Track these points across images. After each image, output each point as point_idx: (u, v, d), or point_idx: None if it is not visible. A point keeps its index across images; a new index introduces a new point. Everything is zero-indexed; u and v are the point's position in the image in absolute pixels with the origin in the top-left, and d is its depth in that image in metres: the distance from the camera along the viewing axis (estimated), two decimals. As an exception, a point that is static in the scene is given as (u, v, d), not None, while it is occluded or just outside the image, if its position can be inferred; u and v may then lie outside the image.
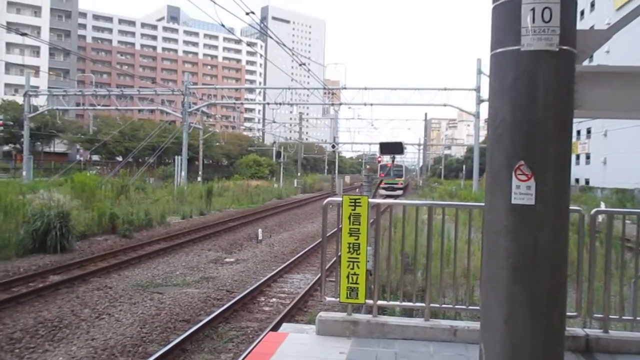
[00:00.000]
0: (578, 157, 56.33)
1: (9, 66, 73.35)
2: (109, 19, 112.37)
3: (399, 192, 46.00)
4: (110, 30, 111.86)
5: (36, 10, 79.48)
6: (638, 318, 4.62)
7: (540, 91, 2.35)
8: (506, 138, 2.41)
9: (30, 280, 10.42)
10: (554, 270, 2.40)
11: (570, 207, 4.00)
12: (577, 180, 54.51)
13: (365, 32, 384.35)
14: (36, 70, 64.64)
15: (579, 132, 55.16)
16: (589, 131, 52.95)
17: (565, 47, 2.36)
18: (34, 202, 15.62)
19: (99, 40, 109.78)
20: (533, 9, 2.34)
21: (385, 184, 43.13)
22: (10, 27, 46.10)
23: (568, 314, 4.41)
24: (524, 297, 2.38)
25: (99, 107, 38.62)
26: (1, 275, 10.79)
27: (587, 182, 52.66)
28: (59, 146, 66.88)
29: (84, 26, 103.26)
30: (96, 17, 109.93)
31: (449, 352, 4.31)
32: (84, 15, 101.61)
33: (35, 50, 78.13)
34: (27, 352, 6.69)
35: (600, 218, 5.61)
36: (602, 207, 18.04)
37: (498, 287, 2.45)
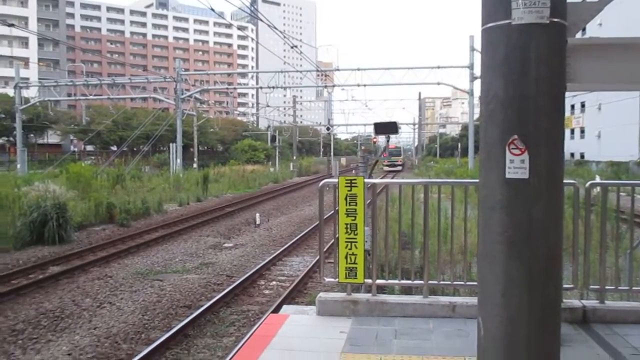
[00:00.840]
0: (573, 131, 56.43)
1: (-2, 58, 72.60)
2: (97, 7, 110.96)
3: (399, 167, 57.87)
4: (99, 19, 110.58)
5: (23, 1, 78.41)
6: (634, 288, 4.68)
7: (531, 65, 2.34)
8: (499, 113, 2.41)
9: (30, 272, 10.44)
10: (549, 243, 2.42)
11: (565, 181, 4.03)
12: (572, 155, 54.69)
13: (357, 13, 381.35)
14: (25, 61, 64.00)
15: (573, 107, 55.16)
16: (583, 105, 52.96)
17: (556, 20, 2.35)
18: (29, 194, 15.57)
19: (88, 29, 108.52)
20: (523, -18, 2.32)
21: (388, 162, 54.07)
22: (-3, 18, 45.50)
23: (565, 286, 4.47)
24: (520, 271, 2.41)
25: (91, 97, 38.35)
26: (0, 267, 10.80)
27: (582, 156, 52.83)
28: (52, 137, 66.50)
29: (72, 15, 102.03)
30: (84, 5, 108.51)
31: (448, 327, 4.37)
32: (71, 4, 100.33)
33: (24, 41, 77.30)
34: (31, 342, 6.74)
35: (595, 191, 5.65)
36: (597, 180, 18.13)
37: (494, 261, 2.47)
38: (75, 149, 64.55)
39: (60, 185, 17.03)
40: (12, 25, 24.51)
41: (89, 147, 67.43)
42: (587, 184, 4.69)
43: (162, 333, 6.90)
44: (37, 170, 35.73)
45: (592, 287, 4.61)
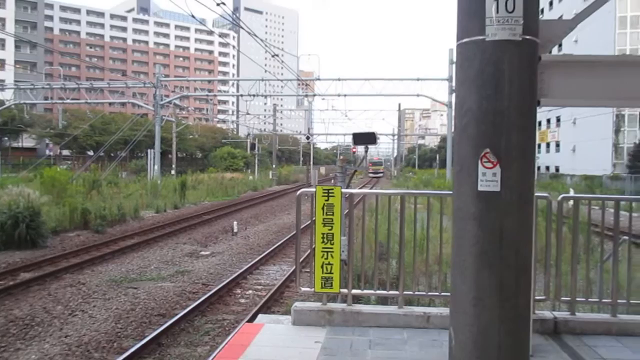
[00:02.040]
0: (548, 144, 57.47)
1: (-27, 59, 71.18)
2: (77, 10, 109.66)
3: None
4: (78, 22, 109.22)
5: (0, 2, 77.14)
6: (603, 300, 4.77)
7: (504, 81, 2.40)
8: (472, 127, 2.46)
9: (0, 278, 10.20)
10: (520, 255, 2.46)
11: (538, 194, 4.11)
12: (547, 168, 55.64)
13: (339, 23, 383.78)
14: (2, 63, 62.85)
15: (549, 121, 56.23)
16: (558, 119, 54.03)
17: (528, 37, 2.41)
18: (1, 198, 15.24)
19: (67, 32, 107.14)
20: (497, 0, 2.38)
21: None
22: (-27, 18, 44.67)
23: (537, 297, 4.53)
24: (491, 281, 2.45)
25: (68, 101, 37.77)
26: (-31, 273, 10.54)
27: (557, 169, 53.80)
28: (27, 141, 65.23)
29: (51, 17, 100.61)
30: (63, 8, 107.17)
31: (422, 338, 4.39)
32: (50, 6, 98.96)
33: (1, 43, 75.93)
34: (-1, 351, 6.58)
35: (568, 204, 5.75)
36: (571, 193, 18.47)
37: (466, 272, 2.51)
38: (51, 153, 63.38)
39: (34, 190, 16.71)
40: (-12, 26, 24.04)
41: (65, 152, 66.27)
42: (559, 197, 4.78)
43: (135, 342, 6.79)
44: (11, 174, 35.02)
45: (563, 298, 4.69)
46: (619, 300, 4.64)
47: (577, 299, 4.69)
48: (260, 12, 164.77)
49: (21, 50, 79.68)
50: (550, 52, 3.18)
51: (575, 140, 48.97)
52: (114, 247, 13.85)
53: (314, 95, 38.95)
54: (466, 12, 2.51)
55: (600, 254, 5.14)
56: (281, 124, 79.43)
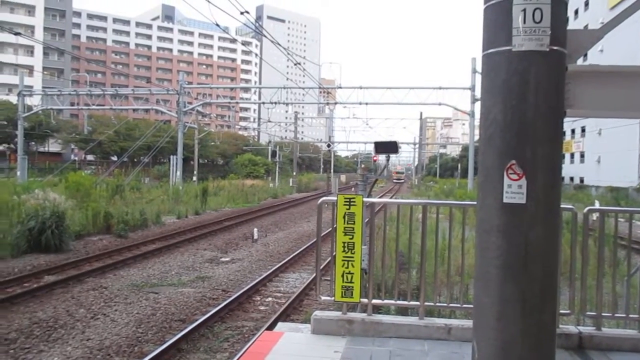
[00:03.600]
0: (572, 155, 56.59)
1: (2, 65, 73.01)
2: (104, 18, 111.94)
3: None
4: (104, 30, 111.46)
5: (30, 10, 79.15)
6: (630, 315, 4.66)
7: (531, 91, 2.37)
8: (498, 138, 2.43)
9: (25, 281, 10.39)
10: (545, 269, 2.42)
11: (564, 206, 4.04)
12: (571, 179, 54.77)
13: (361, 31, 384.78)
14: (30, 69, 64.26)
15: (573, 131, 55.39)
16: (583, 130, 53.18)
17: (555, 48, 2.38)
18: (28, 202, 15.56)
19: (94, 40, 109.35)
20: (524, 10, 2.36)
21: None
22: (4, 26, 45.86)
23: (561, 311, 4.45)
24: (515, 295, 2.41)
25: (93, 107, 38.50)
26: (-4, 275, 10.75)
27: (581, 180, 52.89)
28: (53, 146, 66.62)
29: (78, 25, 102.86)
30: (90, 16, 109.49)
31: (443, 350, 4.34)
32: (78, 14, 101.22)
33: (29, 50, 77.82)
34: (22, 352, 6.68)
35: (593, 216, 5.65)
36: (597, 205, 18.13)
37: (490, 285, 2.47)
38: (76, 158, 64.55)
39: (60, 194, 17.02)
40: (18, 34, 24.68)
41: (90, 157, 67.48)
42: (585, 210, 4.70)
43: (156, 347, 6.84)
44: (37, 178, 35.72)
45: (588, 313, 4.60)
46: (646, 316, 4.53)
47: (603, 314, 4.59)
48: (283, 21, 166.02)
49: (49, 57, 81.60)
50: (576, 62, 3.13)
51: (601, 151, 48.11)
52: (136, 251, 14.01)
53: (335, 103, 39.01)
54: (492, 23, 2.49)
55: (628, 268, 5.03)
56: (302, 132, 79.68)
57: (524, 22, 2.36)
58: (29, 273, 10.92)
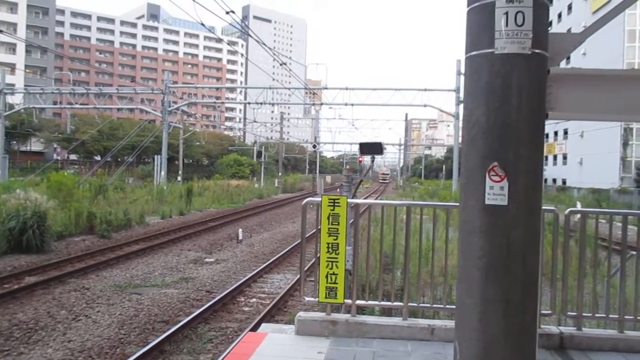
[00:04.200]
0: (555, 157, 57.28)
1: (-16, 63, 71.86)
2: (88, 17, 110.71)
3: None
4: (89, 28, 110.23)
5: (12, 7, 77.96)
6: (610, 315, 4.72)
7: (513, 94, 2.39)
8: (480, 139, 2.45)
9: (5, 282, 10.23)
10: (526, 269, 2.44)
11: (545, 207, 4.08)
12: (554, 180, 55.40)
13: (347, 33, 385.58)
14: (12, 67, 63.47)
15: (556, 133, 56.07)
16: (565, 132, 53.86)
17: (537, 51, 2.40)
18: (9, 201, 15.32)
19: (77, 38, 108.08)
20: (506, 13, 2.38)
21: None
22: (-15, 23, 45.15)
23: (543, 312, 4.49)
24: (497, 296, 2.42)
25: (77, 106, 38.05)
26: (-25, 276, 10.58)
27: (564, 182, 53.54)
28: (35, 145, 65.71)
29: (61, 23, 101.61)
30: (74, 14, 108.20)
31: (426, 350, 4.36)
32: (61, 12, 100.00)
33: (11, 47, 76.66)
34: (2, 355, 6.58)
35: (575, 218, 5.71)
36: (578, 206, 18.36)
37: (472, 285, 2.49)
38: (59, 158, 63.76)
39: (41, 194, 16.79)
40: (0, 31, 24.30)
41: (73, 156, 66.69)
42: (567, 211, 4.75)
43: (138, 348, 6.78)
44: (18, 178, 35.23)
45: (569, 313, 4.64)
46: (626, 317, 4.59)
47: (584, 314, 4.64)
48: (269, 21, 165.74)
49: (32, 55, 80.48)
50: (558, 64, 3.17)
51: (583, 153, 48.77)
52: (119, 252, 13.87)
53: (321, 104, 39.07)
54: (475, 25, 2.51)
55: (608, 269, 5.10)
56: (288, 132, 79.63)
57: (507, 25, 2.38)
58: (9, 274, 10.76)
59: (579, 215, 4.99)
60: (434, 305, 5.04)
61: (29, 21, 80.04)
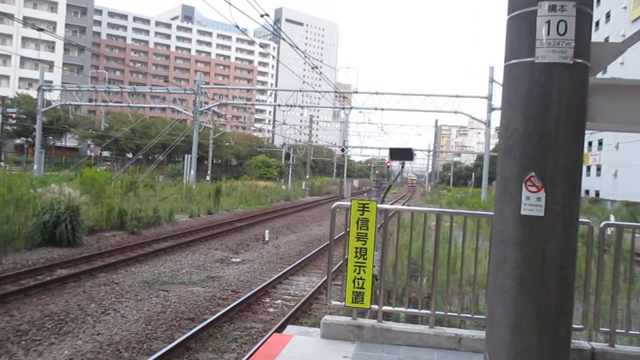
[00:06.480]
0: (589, 168, 55.97)
1: (24, 60, 74.01)
2: (124, 17, 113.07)
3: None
4: (124, 28, 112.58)
5: (52, 6, 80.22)
6: (645, 333, 4.59)
7: (553, 103, 2.35)
8: (517, 149, 2.41)
9: (39, 273, 10.51)
10: (561, 282, 2.40)
11: (579, 219, 3.99)
12: (587, 192, 54.14)
13: (378, 37, 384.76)
14: (50, 65, 65.19)
15: (590, 144, 54.80)
16: (600, 143, 52.59)
17: (579, 60, 2.36)
18: (44, 195, 15.74)
19: (114, 37, 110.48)
20: (548, 22, 2.35)
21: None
22: (27, 22, 46.56)
23: (574, 326, 4.39)
24: (530, 308, 2.38)
25: (111, 104, 38.87)
26: (10, 267, 10.89)
27: (597, 193, 52.27)
28: (70, 141, 67.34)
29: (99, 23, 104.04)
30: (111, 14, 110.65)
31: (453, 360, 4.30)
32: (99, 12, 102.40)
33: (51, 46, 78.82)
34: (34, 344, 6.75)
35: (609, 231, 5.58)
36: (612, 219, 17.91)
37: (505, 296, 2.45)
38: (92, 154, 65.29)
39: (75, 189, 17.19)
40: (41, 29, 25.02)
41: (106, 153, 68.16)
42: (602, 224, 4.64)
43: (164, 344, 6.88)
44: (53, 172, 36.16)
45: (602, 329, 4.53)
46: (661, 334, 4.46)
47: (617, 330, 4.52)
48: (301, 24, 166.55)
49: (69, 53, 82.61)
50: (596, 75, 3.11)
51: (618, 165, 47.51)
52: (148, 249, 14.10)
53: (351, 108, 38.97)
54: (515, 34, 2.48)
55: (643, 285, 4.96)
56: (317, 135, 79.87)
57: (548, 33, 2.34)
58: (42, 265, 11.05)
59: (613, 229, 4.87)
60: (462, 315, 4.97)
61: (68, 20, 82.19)
